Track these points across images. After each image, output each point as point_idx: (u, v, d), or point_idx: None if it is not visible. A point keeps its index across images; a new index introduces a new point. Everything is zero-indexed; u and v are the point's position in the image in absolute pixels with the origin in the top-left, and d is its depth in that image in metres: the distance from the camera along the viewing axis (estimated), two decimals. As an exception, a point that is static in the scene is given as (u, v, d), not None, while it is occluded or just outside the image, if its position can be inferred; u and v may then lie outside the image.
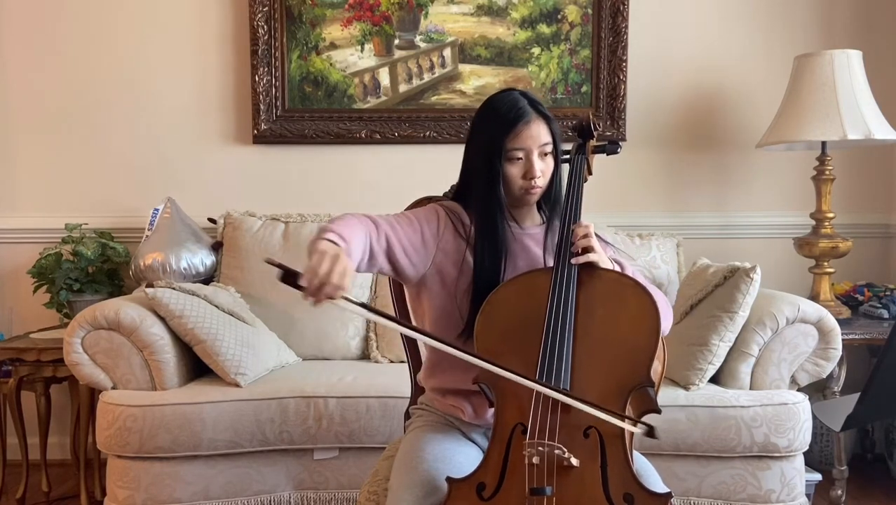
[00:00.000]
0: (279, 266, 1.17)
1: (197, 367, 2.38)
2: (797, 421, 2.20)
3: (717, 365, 2.28)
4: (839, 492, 2.52)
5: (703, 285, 2.40)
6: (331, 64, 3.06)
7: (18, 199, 3.10)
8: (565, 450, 1.24)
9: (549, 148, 1.50)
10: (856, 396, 1.31)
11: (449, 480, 1.32)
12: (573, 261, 1.41)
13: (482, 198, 1.51)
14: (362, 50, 3.06)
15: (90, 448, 2.60)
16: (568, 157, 1.61)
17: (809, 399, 2.27)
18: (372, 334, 2.71)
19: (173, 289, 2.34)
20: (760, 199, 3.15)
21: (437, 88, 3.09)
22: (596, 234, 1.46)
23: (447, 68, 3.08)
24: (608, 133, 3.05)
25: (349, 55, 3.06)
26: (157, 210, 2.88)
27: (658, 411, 1.29)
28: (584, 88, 3.09)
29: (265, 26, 3.01)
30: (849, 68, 2.67)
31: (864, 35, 3.07)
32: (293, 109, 3.07)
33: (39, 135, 3.08)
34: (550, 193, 1.55)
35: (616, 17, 3.03)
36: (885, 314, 2.71)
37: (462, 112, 3.07)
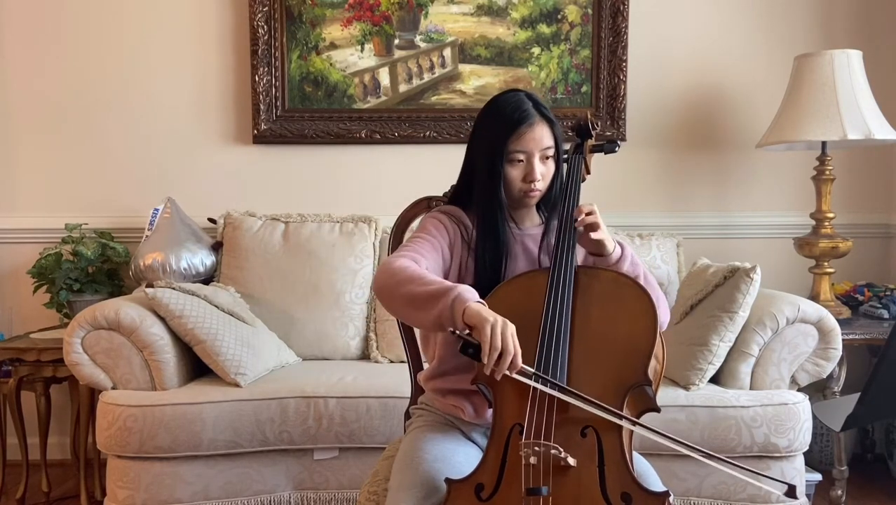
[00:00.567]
0: (460, 337, 1.26)
1: (197, 367, 2.38)
2: (797, 421, 2.20)
3: (717, 365, 2.28)
4: (839, 492, 2.52)
5: (703, 285, 2.40)
6: (331, 64, 3.06)
7: (18, 199, 3.10)
8: (562, 450, 1.24)
9: (551, 152, 1.50)
10: (856, 396, 1.31)
11: (448, 480, 1.32)
12: (579, 233, 1.45)
13: (484, 198, 1.51)
14: (362, 50, 3.06)
15: (90, 448, 2.60)
16: (566, 156, 1.61)
17: (809, 399, 2.27)
18: (372, 334, 2.71)
19: (173, 289, 2.34)
20: (760, 199, 3.15)
21: (437, 88, 3.09)
22: None
23: (447, 68, 3.08)
24: (608, 133, 3.05)
25: (349, 55, 3.06)
26: (157, 210, 2.88)
27: (657, 410, 1.29)
28: (584, 88, 3.09)
29: (265, 26, 3.01)
30: (849, 68, 2.66)
31: (864, 35, 3.07)
32: (293, 109, 3.07)
33: (39, 135, 3.08)
34: (550, 196, 1.56)
35: (616, 17, 3.03)
36: (885, 314, 2.70)
37: (462, 112, 3.07)
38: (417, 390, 1.75)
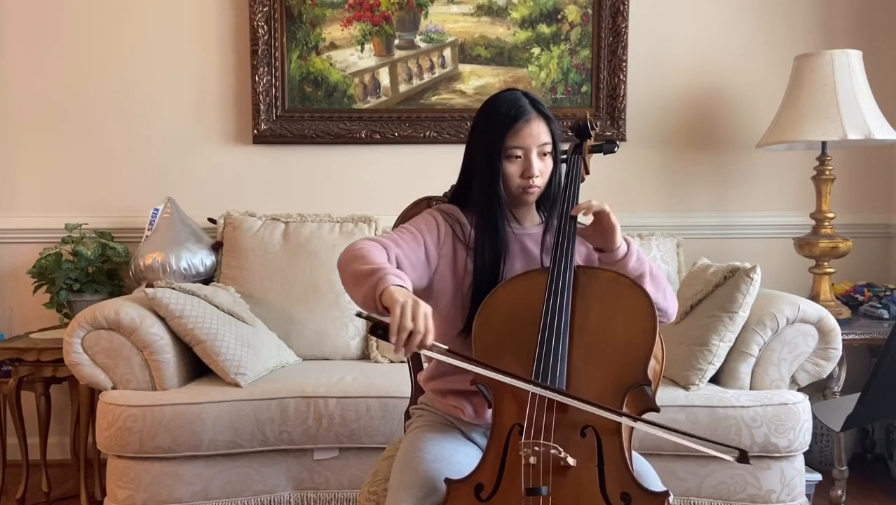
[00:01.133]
0: (368, 318, 1.25)
1: (197, 367, 2.38)
2: (797, 421, 2.20)
3: (718, 365, 2.28)
4: (839, 492, 2.52)
5: (703, 285, 2.40)
6: (331, 64, 3.06)
7: (18, 199, 3.10)
8: (561, 450, 1.24)
9: (549, 148, 1.50)
10: (856, 396, 1.31)
11: (447, 480, 1.32)
12: (589, 221, 1.47)
13: (482, 196, 1.51)
14: (362, 50, 3.06)
15: (90, 448, 2.61)
16: (565, 156, 1.61)
17: (809, 399, 2.27)
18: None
19: (173, 289, 2.34)
20: (760, 199, 3.15)
21: (437, 88, 3.09)
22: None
23: (447, 68, 3.08)
24: (608, 133, 3.05)
25: (349, 55, 3.06)
26: (156, 210, 2.88)
27: (656, 410, 1.29)
28: (584, 88, 3.09)
29: (265, 26, 3.01)
30: (849, 68, 2.66)
31: (864, 35, 3.07)
32: (293, 109, 3.07)
33: (39, 135, 3.08)
34: (549, 194, 1.56)
35: (616, 17, 3.03)
36: (885, 314, 2.70)
37: (462, 112, 3.07)
38: (417, 390, 1.75)
